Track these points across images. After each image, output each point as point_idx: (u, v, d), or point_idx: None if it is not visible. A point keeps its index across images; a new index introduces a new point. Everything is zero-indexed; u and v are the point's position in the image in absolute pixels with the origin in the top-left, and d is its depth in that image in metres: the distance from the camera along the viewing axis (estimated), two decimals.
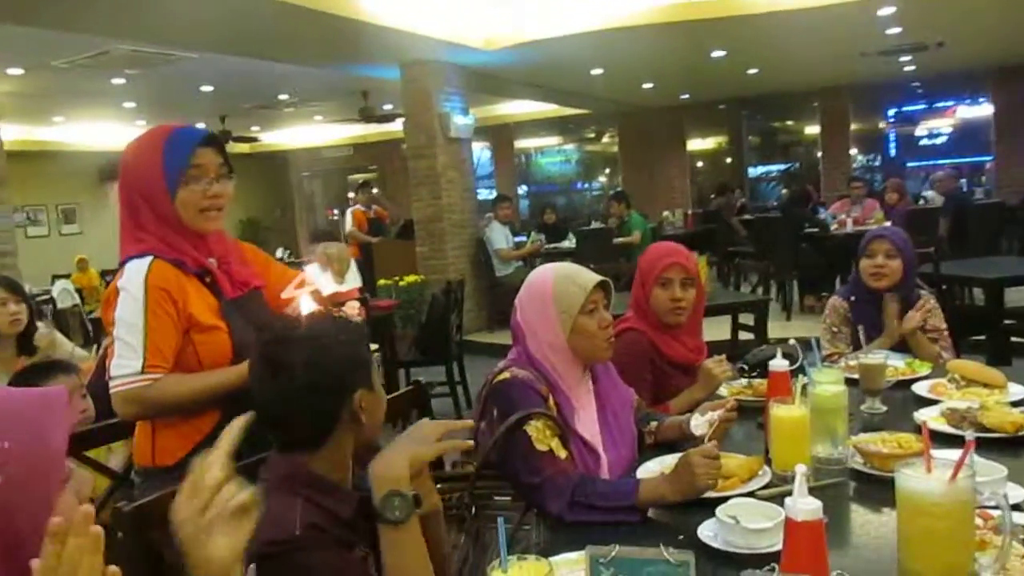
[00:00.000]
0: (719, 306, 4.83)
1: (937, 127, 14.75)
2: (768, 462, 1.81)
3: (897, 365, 2.62)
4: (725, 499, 1.59)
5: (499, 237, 8.56)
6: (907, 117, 15.00)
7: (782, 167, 15.98)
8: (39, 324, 3.64)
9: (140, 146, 1.93)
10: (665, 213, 11.72)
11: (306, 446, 1.40)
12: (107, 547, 0.86)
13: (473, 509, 1.80)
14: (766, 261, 6.57)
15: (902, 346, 2.89)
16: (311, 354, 1.37)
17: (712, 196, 12.45)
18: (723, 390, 2.47)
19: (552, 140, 17.07)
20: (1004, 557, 1.22)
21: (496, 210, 8.86)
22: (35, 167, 12.89)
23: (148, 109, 11.08)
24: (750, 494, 1.67)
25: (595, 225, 10.50)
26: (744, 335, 4.82)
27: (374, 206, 9.77)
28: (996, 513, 1.39)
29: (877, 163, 15.16)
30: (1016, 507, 1.43)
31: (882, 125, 15.20)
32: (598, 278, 1.96)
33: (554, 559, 1.38)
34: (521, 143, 16.78)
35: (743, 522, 1.43)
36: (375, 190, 13.37)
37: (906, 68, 11.51)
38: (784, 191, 12.78)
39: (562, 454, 1.81)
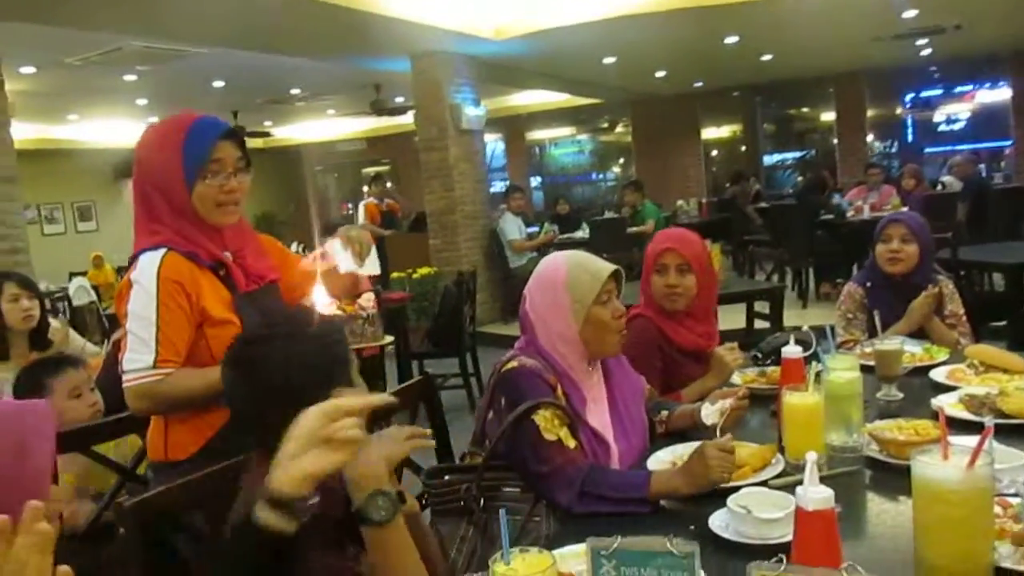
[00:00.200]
0: (734, 294, 4.78)
1: (955, 112, 14.54)
2: (781, 451, 1.78)
3: (914, 351, 2.58)
4: (737, 489, 1.56)
5: (512, 228, 8.53)
6: (924, 102, 14.80)
7: (798, 155, 15.82)
8: (52, 320, 3.66)
9: (158, 137, 1.89)
10: (679, 202, 11.65)
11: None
12: (110, 542, 0.84)
13: (481, 501, 1.78)
14: (781, 249, 6.52)
15: (919, 332, 2.84)
16: (286, 353, 1.33)
17: (727, 184, 12.38)
18: (736, 378, 2.43)
19: (565, 131, 16.99)
20: None
21: (508, 201, 8.84)
22: (51, 165, 13.00)
23: (160, 105, 11.11)
24: (763, 483, 1.63)
25: (608, 215, 10.45)
26: (760, 323, 4.77)
27: (386, 199, 9.77)
28: (1016, 501, 1.36)
29: (894, 149, 14.97)
30: None
31: (899, 111, 15.01)
32: (611, 267, 1.92)
33: (562, 551, 1.36)
34: (534, 134, 16.72)
35: (755, 512, 1.40)
36: (389, 184, 13.39)
37: (923, 52, 11.36)
38: (800, 179, 12.67)
39: (571, 444, 1.78)
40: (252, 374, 1.33)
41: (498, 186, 14.05)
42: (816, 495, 1.10)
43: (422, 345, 5.99)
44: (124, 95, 10.28)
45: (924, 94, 14.63)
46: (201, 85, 10.08)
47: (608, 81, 11.90)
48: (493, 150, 16.52)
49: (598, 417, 1.91)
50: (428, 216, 8.85)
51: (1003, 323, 5.05)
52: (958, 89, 14.29)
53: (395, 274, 8.05)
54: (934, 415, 1.91)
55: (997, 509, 1.29)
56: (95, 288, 9.40)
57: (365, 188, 11.17)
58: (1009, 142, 13.26)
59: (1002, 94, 13.40)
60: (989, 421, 1.26)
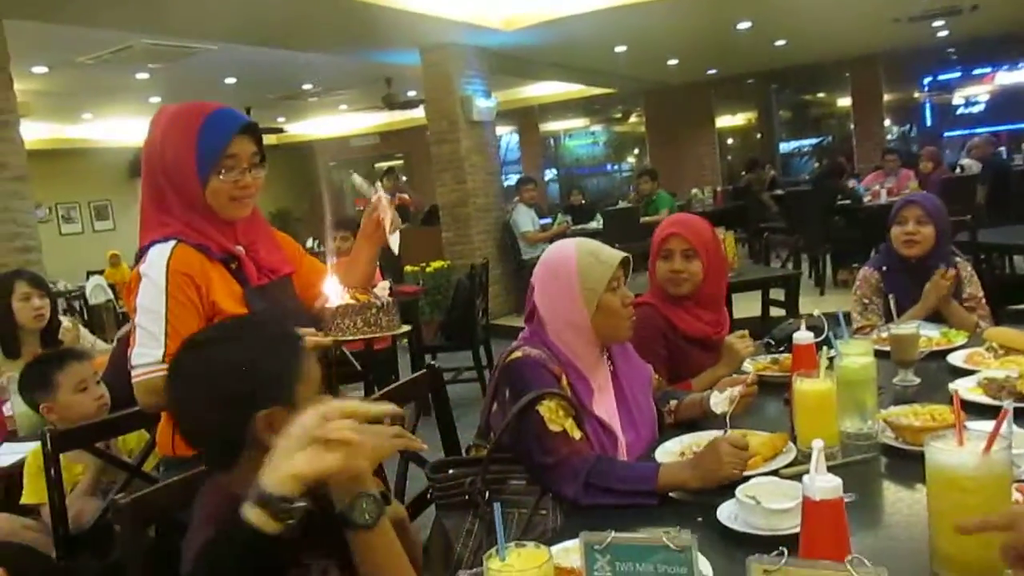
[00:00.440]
0: (748, 281, 4.73)
1: (974, 94, 14.31)
2: (793, 439, 1.73)
3: (931, 335, 2.52)
4: (746, 479, 1.52)
5: (525, 220, 8.49)
6: (943, 85, 14.56)
7: (814, 141, 15.65)
8: (63, 318, 3.67)
9: (173, 126, 1.84)
10: (694, 191, 11.55)
11: (221, 465, 1.28)
12: (109, 540, 0.81)
13: (486, 494, 1.75)
14: (796, 235, 6.45)
15: (937, 316, 2.78)
16: (212, 364, 1.25)
17: (742, 173, 12.28)
18: (748, 366, 2.38)
19: (579, 122, 16.89)
20: None
21: (521, 192, 8.79)
22: (67, 165, 13.10)
23: (173, 103, 11.14)
24: (773, 473, 1.59)
25: (621, 204, 10.38)
26: (776, 311, 4.72)
27: (398, 193, 9.75)
28: None
29: (913, 134, 14.77)
30: None
31: (917, 95, 14.78)
32: (621, 254, 1.89)
33: (566, 544, 1.33)
34: (548, 126, 16.64)
35: (764, 502, 1.35)
36: (403, 178, 13.37)
37: (939, 34, 11.18)
38: (816, 165, 12.54)
39: (576, 435, 1.74)
40: (191, 380, 1.26)
41: (513, 179, 14.01)
42: (823, 484, 1.05)
43: (435, 339, 5.97)
44: (137, 93, 10.30)
45: (942, 77, 14.40)
46: (213, 82, 10.08)
47: (620, 70, 11.80)
48: (508, 143, 16.46)
49: (605, 407, 1.87)
50: (440, 209, 8.82)
51: (1023, 306, 4.96)
52: (977, 71, 14.06)
53: (409, 268, 8.03)
54: (951, 400, 1.85)
55: (1016, 495, 1.24)
56: (112, 287, 9.46)
57: (378, 183, 11.15)
58: None
59: (1022, 75, 13.17)
60: (1008, 404, 1.21)
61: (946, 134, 14.29)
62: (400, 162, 16.57)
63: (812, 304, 2.65)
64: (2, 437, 2.87)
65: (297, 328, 1.83)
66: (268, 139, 15.01)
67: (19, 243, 5.06)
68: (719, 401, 1.82)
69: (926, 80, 14.54)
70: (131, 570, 1.38)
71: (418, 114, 12.56)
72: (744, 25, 9.20)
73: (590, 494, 1.64)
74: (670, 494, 1.61)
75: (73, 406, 2.50)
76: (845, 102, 14.34)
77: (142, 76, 9.18)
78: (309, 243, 11.70)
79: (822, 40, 11.16)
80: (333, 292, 1.91)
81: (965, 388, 1.93)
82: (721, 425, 1.79)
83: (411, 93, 11.68)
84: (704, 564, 1.23)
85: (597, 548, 0.96)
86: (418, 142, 15.45)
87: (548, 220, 9.41)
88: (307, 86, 11.81)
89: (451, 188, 8.56)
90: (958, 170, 9.28)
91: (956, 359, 2.32)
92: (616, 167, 17.33)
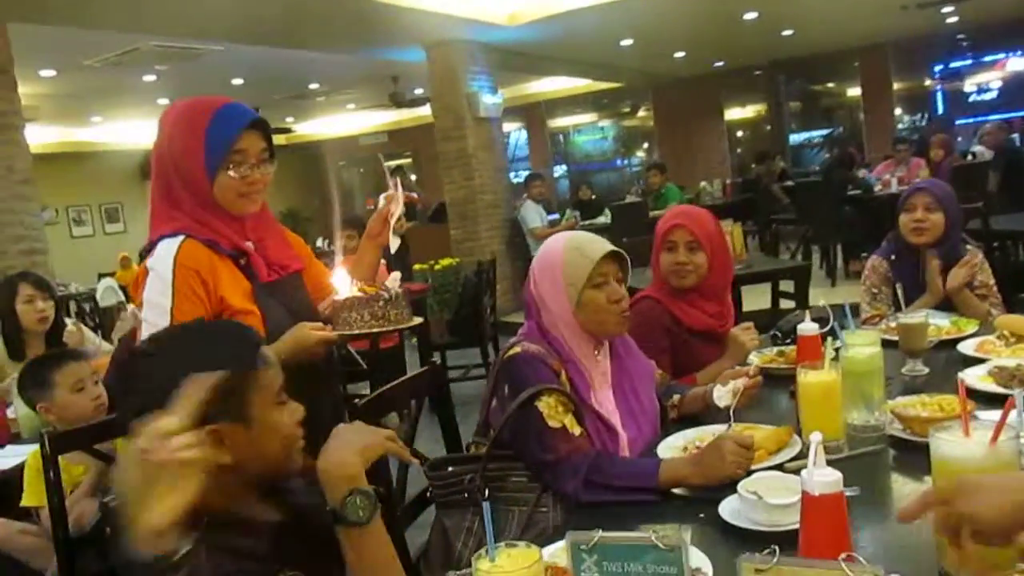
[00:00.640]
0: (758, 273, 4.67)
1: (986, 81, 14.15)
2: (799, 432, 1.69)
3: (941, 324, 2.47)
4: (749, 473, 1.49)
5: (533, 216, 8.45)
6: (954, 72, 14.39)
7: (825, 132, 15.52)
8: (67, 320, 3.67)
9: (182, 121, 1.83)
10: (703, 184, 11.49)
11: None
12: (100, 541, 0.79)
13: (486, 492, 1.72)
14: (806, 225, 6.39)
15: (947, 305, 2.73)
16: (156, 375, 1.15)
17: (752, 165, 12.21)
18: (753, 359, 2.34)
19: (587, 117, 16.81)
20: None
21: (529, 188, 8.76)
22: (77, 167, 13.15)
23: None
24: (777, 467, 1.56)
25: (630, 199, 10.34)
26: (786, 303, 4.67)
27: (405, 191, 9.73)
28: None
29: (924, 122, 14.62)
30: None
31: (928, 83, 14.63)
32: (607, 248, 1.83)
33: (562, 544, 1.29)
34: (556, 122, 16.58)
35: (765, 497, 1.32)
36: (413, 177, 13.39)
37: (949, 20, 11.06)
38: (827, 156, 12.44)
39: (576, 431, 1.71)
40: (136, 387, 1.20)
41: (522, 176, 13.98)
42: (822, 478, 1.02)
43: (443, 337, 5.94)
44: (145, 95, 10.33)
45: (953, 64, 14.24)
46: (220, 83, 10.08)
47: (627, 64, 11.75)
48: (516, 140, 16.41)
49: (604, 403, 1.84)
50: (448, 206, 8.80)
51: None
52: (988, 57, 13.90)
53: (417, 266, 8.00)
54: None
55: None
56: (123, 289, 9.49)
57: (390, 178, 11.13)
58: None
59: None
60: (1018, 392, 1.17)
61: (958, 122, 14.14)
62: (408, 160, 16.55)
63: (823, 295, 2.61)
64: (5, 440, 2.87)
65: (305, 324, 1.83)
66: (277, 139, 14.98)
67: (25, 245, 5.07)
68: (722, 394, 1.79)
69: (936, 67, 14.38)
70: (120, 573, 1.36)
71: (425, 112, 12.53)
72: (751, 15, 9.13)
73: (590, 491, 1.61)
74: (672, 490, 1.58)
75: (70, 406, 2.49)
76: (855, 91, 14.21)
77: (149, 78, 9.21)
78: (319, 242, 11.73)
79: (830, 28, 11.04)
80: (341, 284, 1.89)
81: (975, 377, 1.89)
82: (725, 419, 1.75)
83: (418, 91, 11.67)
84: (704, 561, 1.20)
85: (584, 548, 0.93)
86: (426, 140, 15.39)
87: (556, 216, 9.37)
88: (314, 85, 11.82)
89: (459, 185, 8.54)
90: (970, 157, 9.19)
91: (967, 348, 2.27)
92: (625, 162, 17.25)
